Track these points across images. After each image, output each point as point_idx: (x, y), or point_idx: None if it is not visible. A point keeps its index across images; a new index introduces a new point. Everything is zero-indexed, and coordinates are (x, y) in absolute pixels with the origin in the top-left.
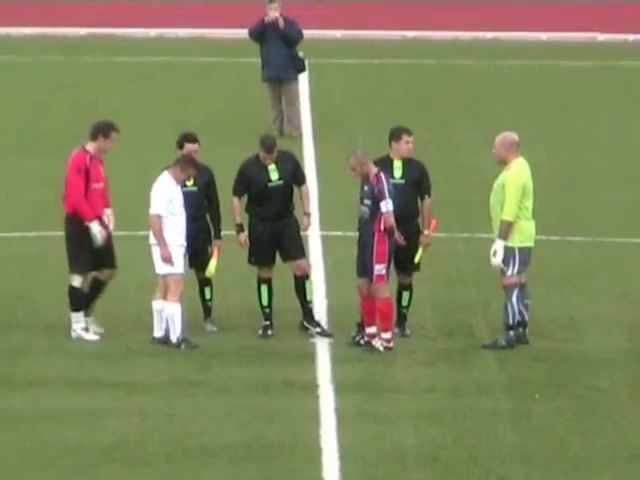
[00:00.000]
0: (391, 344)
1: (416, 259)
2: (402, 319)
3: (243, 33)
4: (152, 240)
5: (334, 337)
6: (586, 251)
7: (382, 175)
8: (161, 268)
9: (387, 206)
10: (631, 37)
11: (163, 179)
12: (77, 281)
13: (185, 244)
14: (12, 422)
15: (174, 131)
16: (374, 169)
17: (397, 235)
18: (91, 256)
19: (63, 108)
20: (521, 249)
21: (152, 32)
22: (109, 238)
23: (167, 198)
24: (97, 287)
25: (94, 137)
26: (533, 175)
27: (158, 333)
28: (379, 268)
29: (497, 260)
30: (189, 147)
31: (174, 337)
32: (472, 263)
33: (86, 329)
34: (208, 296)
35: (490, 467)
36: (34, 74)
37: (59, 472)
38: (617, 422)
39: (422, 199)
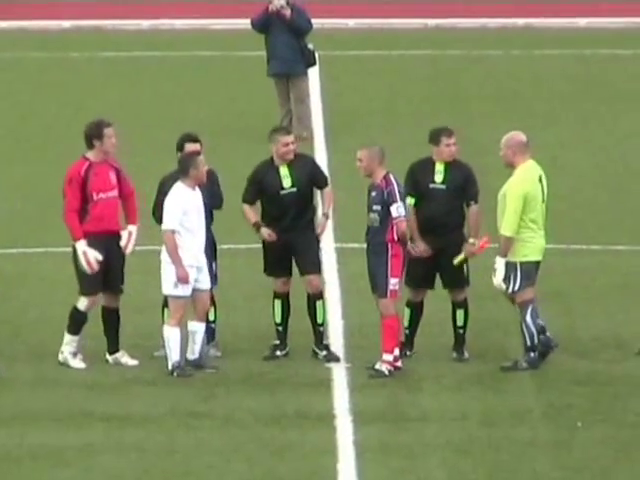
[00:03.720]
0: (399, 363)
1: (455, 261)
2: (460, 341)
3: (246, 23)
4: (165, 257)
5: (350, 362)
6: (632, 262)
7: (391, 176)
8: (167, 288)
9: (398, 210)
10: None
11: (176, 189)
12: (82, 304)
13: (195, 264)
14: None
15: (171, 133)
16: (382, 171)
17: (409, 246)
18: (100, 276)
19: (47, 110)
20: (524, 264)
21: (145, 23)
22: (117, 257)
23: (180, 210)
24: (107, 316)
25: (89, 144)
26: (572, 177)
27: (190, 356)
28: (394, 282)
29: (497, 280)
30: (190, 148)
31: (169, 363)
32: None
33: (74, 354)
34: (211, 317)
35: None
36: (13, 73)
37: None
38: None
39: (468, 206)
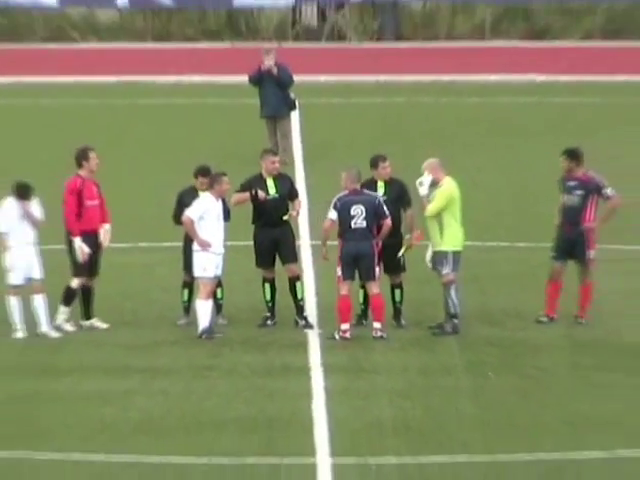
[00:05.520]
0: (347, 334)
1: (399, 253)
2: (398, 313)
3: (244, 79)
4: (195, 247)
5: (321, 328)
6: (530, 255)
7: (343, 194)
8: (197, 272)
9: (328, 213)
10: (563, 78)
11: (204, 196)
12: (75, 283)
13: (220, 251)
14: (58, 402)
15: (190, 160)
16: (349, 188)
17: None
18: (88, 264)
19: (98, 146)
20: (453, 252)
21: (172, 79)
22: (98, 250)
23: (202, 208)
24: (87, 292)
25: (79, 164)
26: (486, 193)
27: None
28: (338, 270)
29: (422, 191)
30: (202, 180)
31: (199, 329)
32: None
33: (67, 320)
34: (219, 295)
35: (453, 434)
36: (73, 116)
37: (98, 443)
38: (558, 396)
39: (405, 210)
